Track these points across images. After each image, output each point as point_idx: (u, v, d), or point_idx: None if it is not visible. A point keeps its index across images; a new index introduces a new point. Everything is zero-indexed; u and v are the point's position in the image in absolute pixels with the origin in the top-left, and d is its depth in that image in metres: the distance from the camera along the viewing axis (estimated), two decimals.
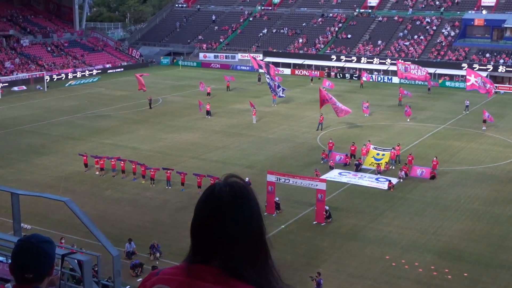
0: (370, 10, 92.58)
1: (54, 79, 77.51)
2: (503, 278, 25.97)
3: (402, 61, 71.69)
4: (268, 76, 62.12)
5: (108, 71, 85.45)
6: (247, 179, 35.34)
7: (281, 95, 61.19)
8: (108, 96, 68.07)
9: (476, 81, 58.89)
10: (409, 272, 26.30)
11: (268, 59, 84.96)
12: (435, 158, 40.32)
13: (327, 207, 32.01)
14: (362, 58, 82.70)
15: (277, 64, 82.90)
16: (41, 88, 71.75)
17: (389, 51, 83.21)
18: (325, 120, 51.51)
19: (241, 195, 2.86)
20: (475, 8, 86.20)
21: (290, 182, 32.94)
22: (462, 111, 59.04)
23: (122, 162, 38.99)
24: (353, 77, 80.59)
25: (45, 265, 3.34)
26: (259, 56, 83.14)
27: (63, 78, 78.94)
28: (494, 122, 52.42)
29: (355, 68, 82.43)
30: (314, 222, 31.58)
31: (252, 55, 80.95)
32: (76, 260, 5.89)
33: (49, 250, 3.38)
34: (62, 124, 53.95)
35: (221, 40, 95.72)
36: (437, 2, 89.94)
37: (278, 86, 61.38)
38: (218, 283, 2.76)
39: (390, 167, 40.92)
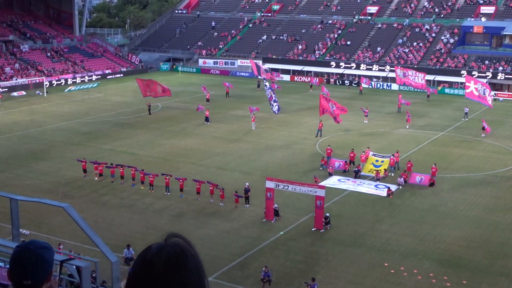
0: (369, 17, 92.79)
1: (54, 85, 77.57)
2: (502, 286, 25.92)
3: (401, 67, 71.85)
4: (267, 84, 62.07)
5: (108, 77, 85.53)
6: (246, 184, 35.39)
7: (274, 110, 60.76)
8: (108, 101, 68.11)
9: (476, 88, 58.75)
10: (408, 279, 26.26)
11: (267, 65, 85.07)
12: (434, 165, 40.30)
13: (327, 214, 31.98)
14: (361, 65, 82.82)
15: (276, 71, 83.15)
16: (41, 94, 71.79)
17: (388, 58, 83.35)
18: (324, 126, 51.53)
19: (176, 264, 2.62)
20: (474, 16, 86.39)
21: (289, 188, 32.90)
22: (462, 118, 59.10)
23: (122, 168, 38.96)
24: (352, 84, 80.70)
25: (43, 271, 3.33)
26: (258, 63, 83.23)
27: (62, 84, 79.00)
28: (490, 133, 52.09)
29: (354, 75, 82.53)
30: (313, 229, 31.53)
31: (254, 61, 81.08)
32: (74, 266, 5.87)
33: (48, 257, 3.36)
34: (61, 129, 53.94)
35: (221, 46, 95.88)
36: (436, 9, 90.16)
37: (275, 101, 60.82)
38: None
39: (389, 174, 40.91)
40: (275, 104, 60.59)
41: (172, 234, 2.72)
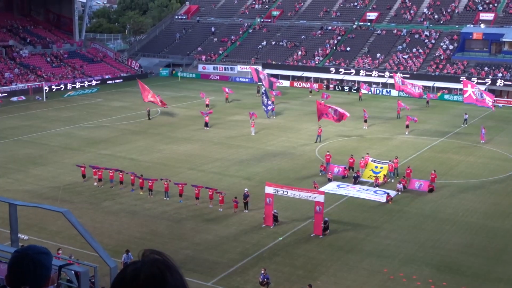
0: (369, 23, 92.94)
1: (53, 90, 77.60)
2: None
3: (399, 74, 71.97)
4: (264, 89, 62.32)
5: (107, 82, 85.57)
6: (245, 190, 35.37)
7: (267, 115, 60.39)
8: (107, 107, 68.14)
9: (473, 92, 58.87)
10: (407, 285, 26.22)
11: (267, 71, 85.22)
12: (433, 171, 40.30)
13: (326, 218, 31.97)
14: (361, 71, 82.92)
15: (276, 77, 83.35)
16: (40, 99, 71.80)
17: (388, 64, 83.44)
18: (323, 132, 51.58)
19: (157, 281, 2.55)
20: (474, 22, 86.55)
21: (289, 194, 32.89)
22: (461, 124, 59.13)
23: (121, 173, 38.93)
24: (352, 90, 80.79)
25: (41, 276, 3.33)
26: (258, 68, 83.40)
27: (62, 89, 79.03)
28: (485, 141, 51.92)
29: (354, 81, 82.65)
30: (312, 235, 31.51)
31: (254, 67, 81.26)
32: (73, 271, 5.87)
33: (46, 262, 3.36)
34: (61, 134, 53.94)
35: (220, 51, 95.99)
36: (436, 16, 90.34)
37: (268, 105, 60.79)
38: None
39: (388, 180, 40.90)
40: (265, 109, 60.41)
41: (149, 251, 2.63)
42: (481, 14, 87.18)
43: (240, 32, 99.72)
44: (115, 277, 2.62)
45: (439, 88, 77.30)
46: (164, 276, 2.59)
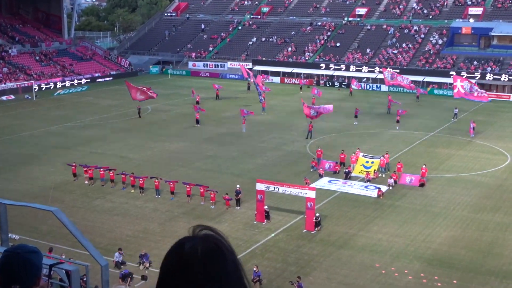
0: (358, 19, 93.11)
1: (43, 89, 77.24)
2: (492, 285, 26.03)
3: (389, 69, 72.13)
4: (255, 84, 63.22)
5: (97, 80, 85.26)
6: (237, 187, 35.37)
7: (261, 99, 62.82)
8: (97, 105, 67.88)
9: (462, 86, 59.07)
10: (399, 279, 26.34)
11: (257, 67, 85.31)
12: (424, 166, 40.47)
13: (317, 214, 32.05)
14: (351, 66, 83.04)
15: (266, 73, 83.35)
16: (30, 98, 71.46)
17: (378, 59, 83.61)
18: (314, 128, 51.64)
19: (212, 259, 2.55)
20: (463, 17, 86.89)
21: (280, 190, 32.93)
22: (451, 119, 59.34)
23: (111, 172, 38.82)
24: (342, 85, 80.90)
25: (31, 276, 3.31)
26: (248, 65, 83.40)
27: (51, 88, 78.68)
28: (473, 136, 51.99)
29: (344, 76, 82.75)
30: (304, 230, 31.58)
31: (241, 63, 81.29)
32: (64, 270, 5.85)
33: (36, 261, 3.35)
34: (51, 133, 53.70)
35: (210, 48, 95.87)
36: (425, 11, 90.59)
37: (261, 93, 62.76)
38: None
39: (379, 175, 41.02)
40: (259, 94, 62.78)
41: (201, 227, 2.68)
42: (470, 9, 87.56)
43: (230, 29, 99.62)
44: (169, 254, 2.58)
45: (428, 83, 77.51)
46: (222, 251, 2.62)
